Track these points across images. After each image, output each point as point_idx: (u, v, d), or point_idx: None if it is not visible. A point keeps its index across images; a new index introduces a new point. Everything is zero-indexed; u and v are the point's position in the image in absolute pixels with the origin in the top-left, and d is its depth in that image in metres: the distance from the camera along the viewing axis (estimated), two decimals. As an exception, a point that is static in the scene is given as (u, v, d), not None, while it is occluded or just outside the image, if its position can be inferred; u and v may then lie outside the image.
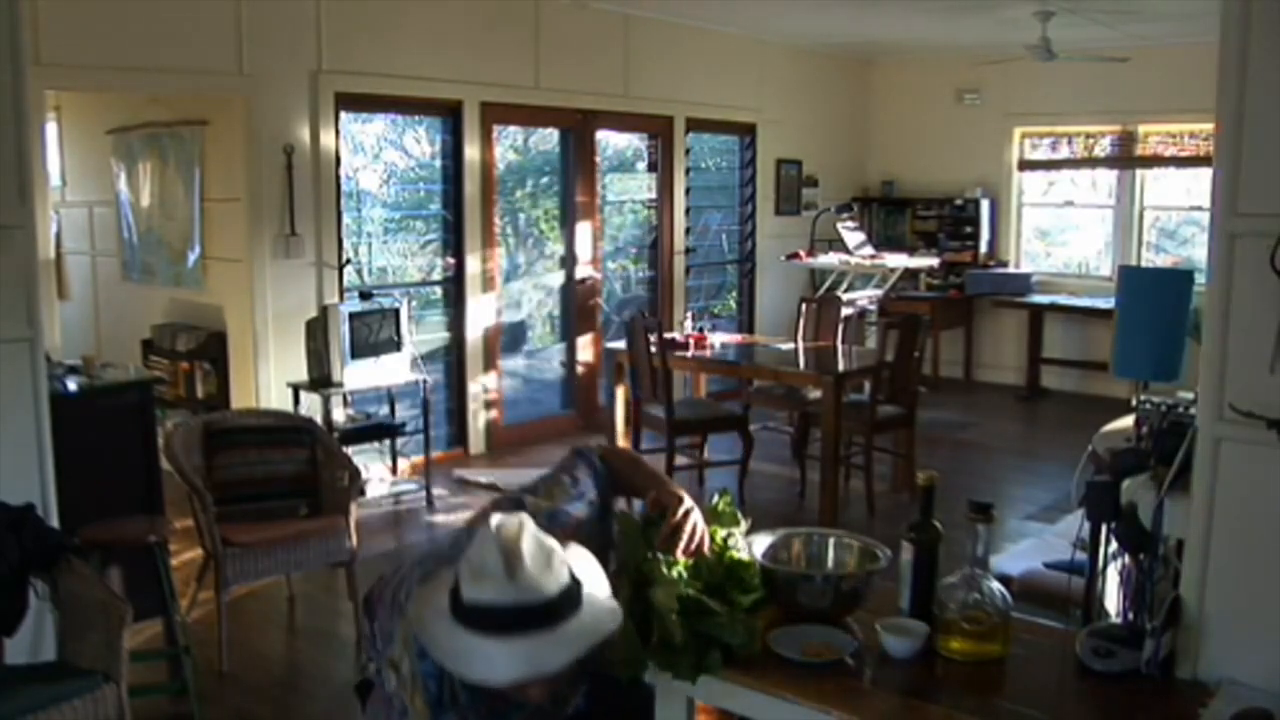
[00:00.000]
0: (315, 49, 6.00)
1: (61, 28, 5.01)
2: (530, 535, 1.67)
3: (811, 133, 9.48)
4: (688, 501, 2.00)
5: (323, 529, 4.23)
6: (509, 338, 7.60)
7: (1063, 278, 9.50)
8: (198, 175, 6.16)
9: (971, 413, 8.49)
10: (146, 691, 3.65)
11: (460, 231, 6.89)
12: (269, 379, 5.92)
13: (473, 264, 6.95)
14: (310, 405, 5.64)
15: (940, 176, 9.74)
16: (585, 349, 7.86)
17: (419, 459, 6.29)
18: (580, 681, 1.89)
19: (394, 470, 6.30)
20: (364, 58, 6.18)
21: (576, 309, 7.80)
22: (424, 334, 6.76)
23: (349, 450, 4.99)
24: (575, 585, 1.69)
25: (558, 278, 7.81)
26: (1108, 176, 9.37)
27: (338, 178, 6.21)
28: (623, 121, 7.95)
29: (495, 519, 1.68)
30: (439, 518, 5.92)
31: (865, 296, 8.48)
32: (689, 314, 7.16)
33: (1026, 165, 9.61)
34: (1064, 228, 9.89)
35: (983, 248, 9.55)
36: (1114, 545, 2.08)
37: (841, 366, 6.05)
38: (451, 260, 6.96)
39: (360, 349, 5.71)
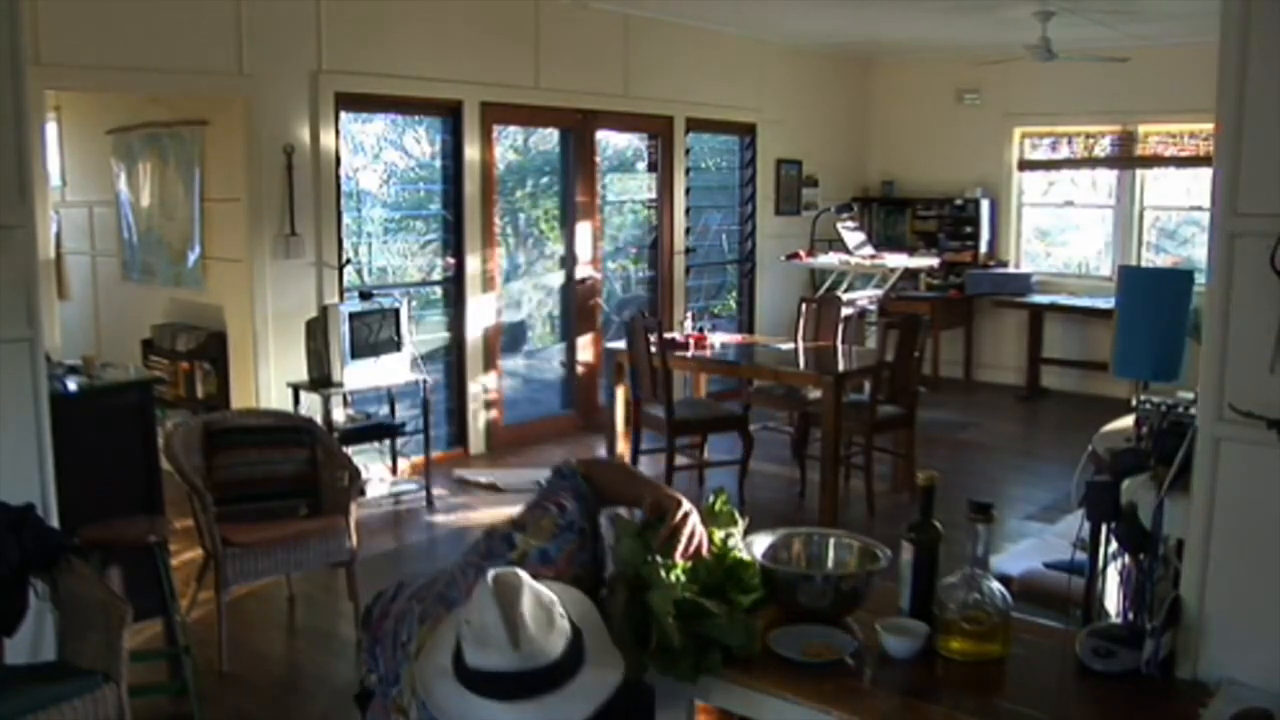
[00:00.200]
0: (315, 49, 6.00)
1: (61, 28, 5.01)
2: (529, 595, 1.67)
3: (811, 133, 9.48)
4: (686, 504, 1.99)
5: (323, 529, 4.23)
6: (509, 338, 7.60)
7: (1063, 278, 9.50)
8: (198, 175, 6.16)
9: (971, 413, 8.49)
10: (146, 691, 3.65)
11: (460, 231, 6.89)
12: (269, 379, 5.92)
13: (473, 264, 6.95)
14: (310, 405, 5.64)
15: (940, 176, 9.74)
16: (585, 349, 7.86)
17: (419, 459, 6.29)
18: None
19: (394, 470, 6.30)
20: (364, 58, 6.19)
21: (576, 309, 7.80)
22: (424, 334, 6.77)
23: (349, 450, 4.99)
24: (577, 639, 1.70)
25: (558, 278, 7.81)
26: (1108, 176, 9.37)
27: (338, 178, 6.21)
28: (623, 121, 7.96)
29: (490, 576, 1.68)
30: (439, 518, 5.92)
31: (865, 296, 8.48)
32: (689, 314, 7.16)
33: (1026, 165, 9.61)
34: (1064, 228, 9.89)
35: (983, 248, 9.55)
36: (1114, 545, 2.08)
37: (841, 366, 6.05)
38: (451, 260, 6.96)
39: (360, 349, 5.71)
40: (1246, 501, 1.84)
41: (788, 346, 6.71)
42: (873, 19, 7.92)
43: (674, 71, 8.09)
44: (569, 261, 7.75)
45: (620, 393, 6.57)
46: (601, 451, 6.75)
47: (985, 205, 9.52)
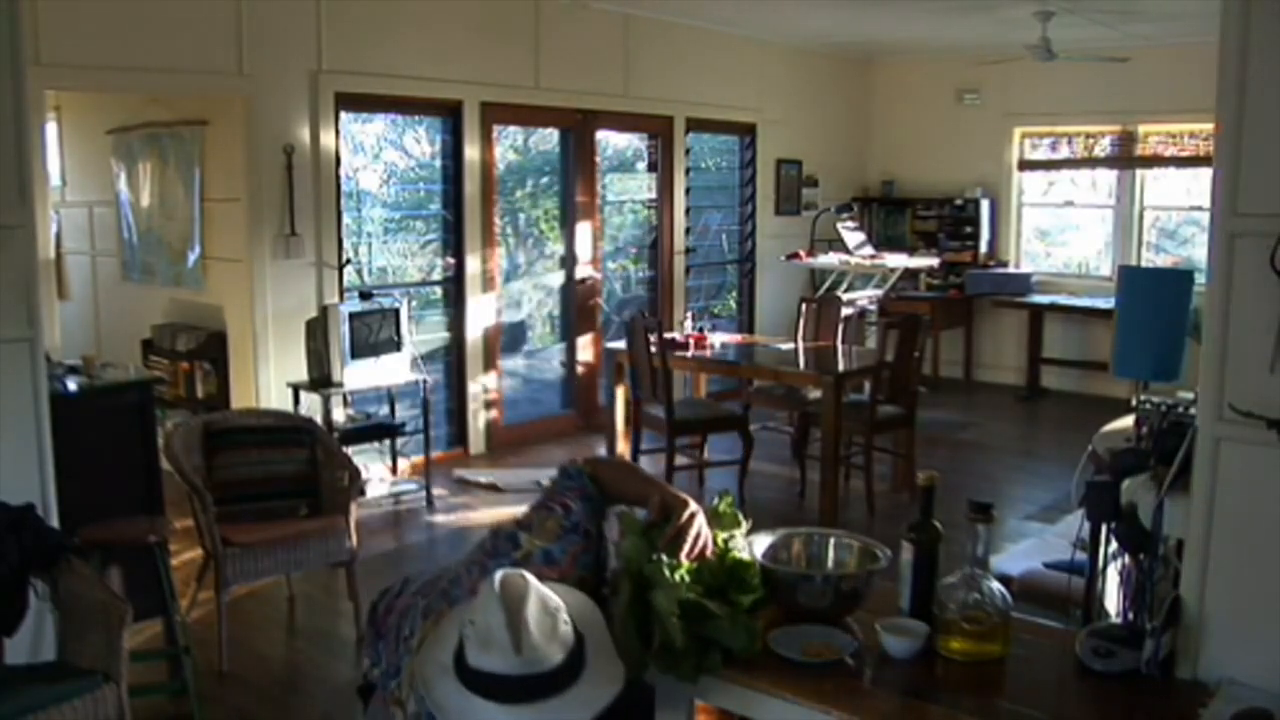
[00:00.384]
0: (315, 49, 6.00)
1: (61, 28, 5.01)
2: (535, 599, 1.68)
3: (811, 133, 9.48)
4: (692, 505, 1.99)
5: (323, 529, 4.23)
6: (509, 338, 7.60)
7: (1063, 278, 9.50)
8: (198, 175, 6.16)
9: (971, 413, 8.49)
10: (146, 691, 3.65)
11: (460, 231, 6.89)
12: (269, 379, 5.92)
13: (473, 264, 6.95)
14: (310, 405, 5.64)
15: (940, 176, 9.74)
16: (585, 349, 7.86)
17: (419, 459, 6.29)
18: None
19: (394, 470, 6.30)
20: (364, 58, 6.19)
21: (576, 309, 7.80)
22: (424, 334, 6.77)
23: (349, 450, 4.99)
24: (580, 646, 1.71)
25: (558, 278, 7.81)
26: (1108, 176, 9.37)
27: (338, 178, 6.21)
28: (623, 121, 7.96)
29: (498, 578, 1.68)
30: (439, 518, 5.92)
31: (865, 296, 8.48)
32: (689, 314, 7.16)
33: (1026, 165, 9.61)
34: (1064, 228, 9.89)
35: (983, 248, 9.55)
36: (1114, 545, 2.08)
37: (841, 366, 6.05)
38: (451, 260, 6.96)
39: (360, 349, 5.71)
40: (1246, 501, 1.84)
41: (788, 346, 6.71)
42: (873, 19, 7.92)
43: (674, 71, 8.09)
44: (569, 261, 7.75)
45: (620, 393, 6.57)
46: (602, 452, 6.75)
47: (985, 205, 9.53)
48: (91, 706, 2.76)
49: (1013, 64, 8.15)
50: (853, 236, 8.69)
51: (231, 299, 6.08)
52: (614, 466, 2.19)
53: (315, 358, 5.71)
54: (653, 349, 5.88)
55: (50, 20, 4.94)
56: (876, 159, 10.22)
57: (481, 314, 7.06)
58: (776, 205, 9.23)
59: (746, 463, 6.14)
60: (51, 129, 6.77)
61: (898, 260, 8.66)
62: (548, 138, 7.83)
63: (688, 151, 8.42)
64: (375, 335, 5.80)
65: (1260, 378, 1.81)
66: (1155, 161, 8.99)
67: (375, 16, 6.23)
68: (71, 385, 4.06)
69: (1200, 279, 2.76)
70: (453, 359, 7.02)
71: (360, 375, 5.74)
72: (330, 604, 4.73)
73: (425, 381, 6.03)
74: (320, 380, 5.69)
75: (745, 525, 2.11)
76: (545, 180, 7.91)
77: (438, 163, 6.98)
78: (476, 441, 7.13)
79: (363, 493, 4.86)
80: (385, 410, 6.14)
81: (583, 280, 7.77)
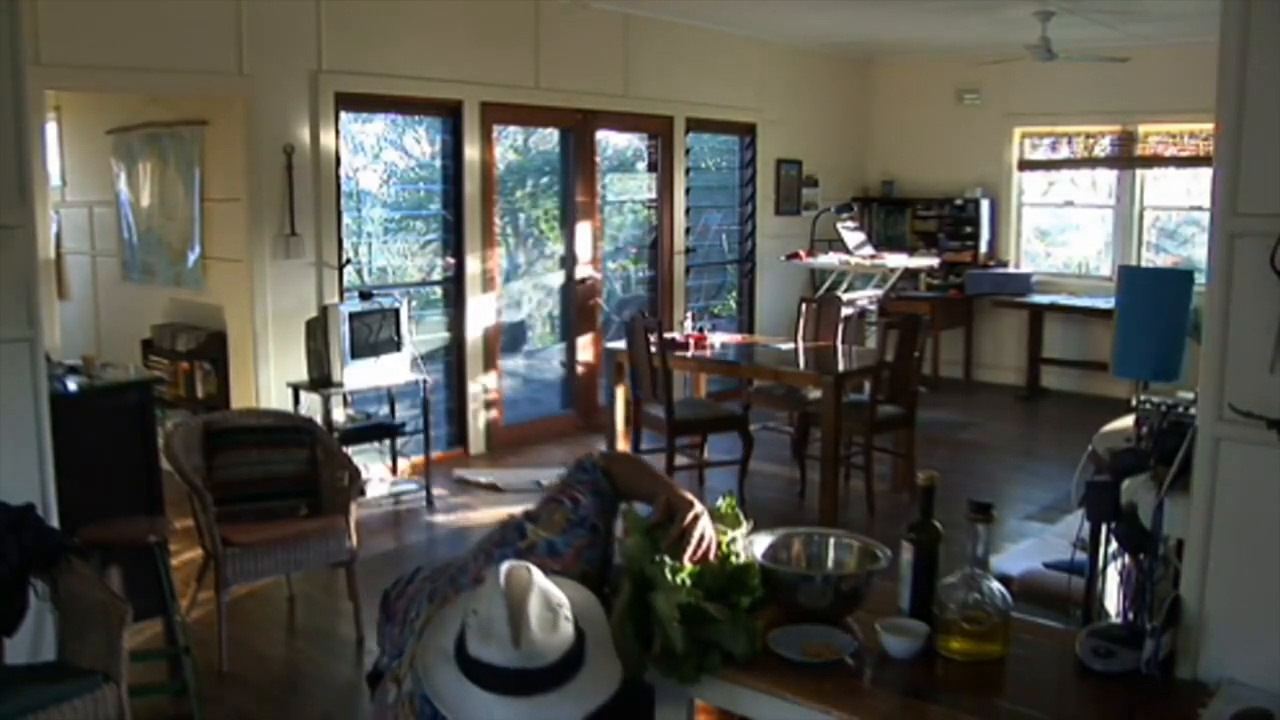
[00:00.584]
0: (315, 49, 6.00)
1: (61, 28, 5.01)
2: (537, 593, 1.68)
3: (811, 133, 9.48)
4: (698, 506, 1.99)
5: (323, 529, 4.23)
6: (509, 338, 7.60)
7: (1063, 278, 9.50)
8: (198, 175, 6.16)
9: (971, 413, 8.49)
10: (146, 691, 3.65)
11: (460, 231, 6.89)
12: (269, 379, 5.92)
13: (473, 264, 6.95)
14: (310, 405, 5.64)
15: (940, 176, 9.74)
16: (585, 349, 7.86)
17: (419, 459, 6.29)
18: None
19: (394, 470, 6.30)
20: (364, 58, 6.19)
21: (576, 309, 7.80)
22: (424, 334, 6.77)
23: (349, 450, 4.99)
24: (579, 643, 1.71)
25: (558, 278, 7.81)
26: (1108, 176, 9.37)
27: (338, 178, 6.21)
28: (623, 121, 7.96)
29: (504, 570, 1.69)
30: (439, 518, 5.92)
31: (865, 296, 8.48)
32: (689, 314, 7.16)
33: (1026, 165, 9.61)
34: (1064, 228, 9.89)
35: (983, 248, 9.55)
36: (1114, 545, 2.08)
37: (841, 366, 6.05)
38: (451, 260, 6.96)
39: (360, 349, 5.71)
40: (1246, 501, 1.84)
41: (788, 346, 6.71)
42: (873, 19, 7.92)
43: (674, 71, 8.09)
44: (569, 261, 7.75)
45: (620, 393, 6.57)
46: (589, 452, 6.75)
47: (985, 205, 9.53)
48: (91, 706, 2.76)
49: (1013, 64, 8.15)
50: (853, 236, 8.69)
51: (231, 299, 6.08)
52: (628, 462, 2.20)
53: (315, 358, 5.71)
54: (653, 349, 5.88)
55: (50, 20, 4.94)
56: (876, 159, 10.22)
57: (481, 314, 7.06)
58: (776, 205, 9.23)
59: (746, 463, 6.14)
60: (51, 129, 6.77)
61: (898, 260, 8.66)
62: (548, 138, 7.83)
63: (688, 151, 8.42)
64: (375, 335, 5.80)
65: (1260, 378, 1.81)
66: (1155, 161, 8.99)
67: (375, 16, 6.23)
68: (71, 385, 4.06)
69: (1200, 279, 2.77)
70: (453, 359, 7.02)
71: (360, 375, 5.74)
72: (330, 604, 4.73)
73: (425, 381, 6.03)
74: (320, 380, 5.69)
75: (746, 526, 2.11)
76: (545, 180, 7.91)
77: (438, 163, 6.98)
78: (476, 441, 7.13)
79: (363, 493, 4.86)
80: (385, 410, 6.14)
81: (583, 280, 7.77)
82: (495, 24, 6.89)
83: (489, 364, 7.16)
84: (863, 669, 1.94)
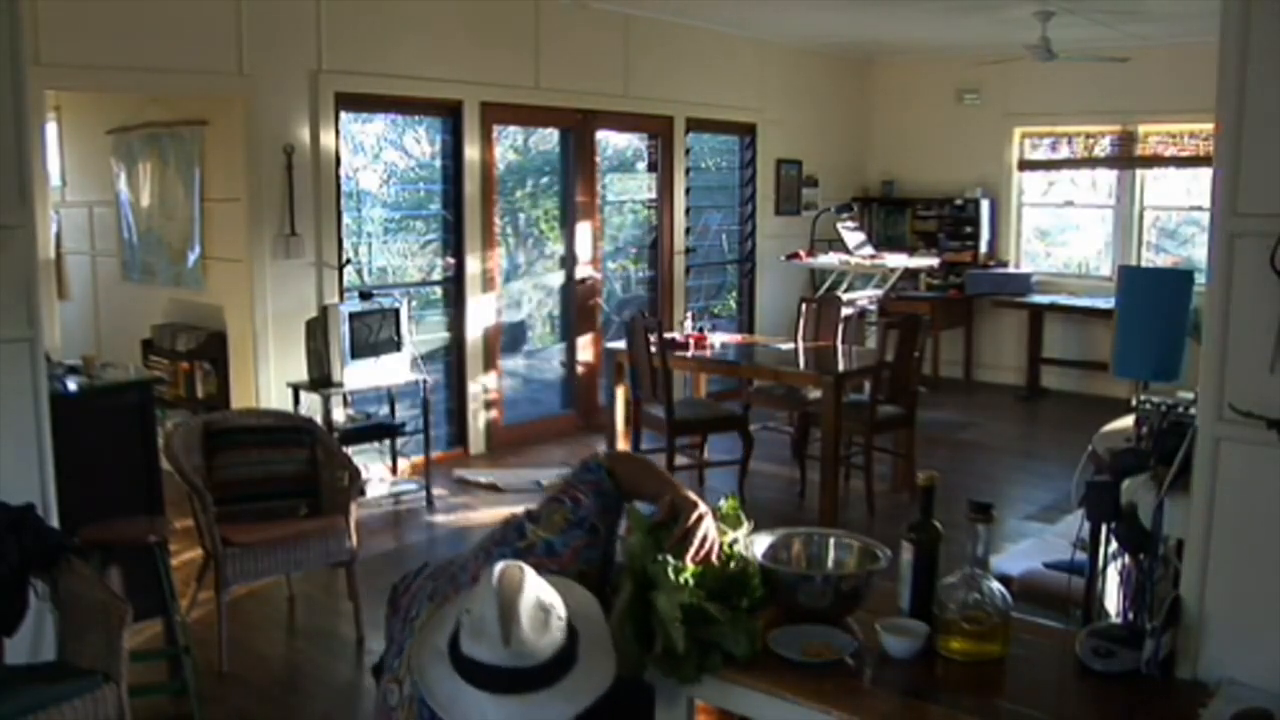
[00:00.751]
0: (315, 49, 6.00)
1: (61, 28, 5.01)
2: (530, 593, 1.68)
3: (811, 133, 9.48)
4: (701, 507, 1.99)
5: (323, 529, 4.23)
6: (509, 338, 7.60)
7: (1063, 278, 9.50)
8: (198, 175, 6.16)
9: (971, 413, 8.49)
10: (146, 691, 3.65)
11: (460, 231, 6.89)
12: (269, 379, 5.92)
13: (473, 264, 6.95)
14: (310, 405, 5.64)
15: (940, 176, 9.74)
16: (585, 349, 7.86)
17: (419, 459, 6.29)
18: None
19: (394, 470, 6.30)
20: (364, 58, 6.19)
21: (576, 309, 7.80)
22: (424, 334, 6.77)
23: (349, 450, 4.99)
24: (571, 642, 1.71)
25: (558, 278, 7.81)
26: (1108, 176, 9.37)
27: (338, 178, 6.21)
28: (623, 121, 7.96)
29: (498, 569, 1.69)
30: (439, 518, 5.92)
31: (865, 296, 8.48)
32: (689, 314, 7.16)
33: (1026, 165, 9.61)
34: (1064, 228, 9.89)
35: (983, 248, 9.55)
36: (1114, 545, 2.08)
37: (841, 366, 6.05)
38: (451, 260, 6.96)
39: (360, 349, 5.71)
40: (1246, 501, 1.84)
41: (788, 346, 6.71)
42: (873, 19, 7.92)
43: (674, 71, 8.09)
44: (569, 261, 7.75)
45: (620, 393, 6.57)
46: (594, 451, 6.76)
47: (985, 205, 9.53)
48: (91, 706, 2.76)
49: (1013, 64, 8.15)
50: (853, 236, 8.69)
51: (231, 299, 6.08)
52: (633, 462, 2.20)
53: (315, 358, 5.71)
54: (653, 349, 5.88)
55: (50, 20, 4.94)
56: (876, 159, 10.22)
57: (481, 314, 7.06)
58: (776, 205, 9.23)
59: (746, 463, 6.14)
60: (51, 129, 6.76)
61: (898, 260, 8.66)
62: (548, 138, 7.83)
63: (688, 151, 8.42)
64: (375, 335, 5.81)
65: (1260, 378, 1.81)
66: (1155, 161, 8.99)
67: (375, 16, 6.23)
68: (71, 385, 4.06)
69: (1200, 279, 2.76)
70: (453, 359, 7.02)
71: (360, 375, 5.74)
72: (330, 604, 4.73)
73: (425, 381, 6.03)
74: (320, 380, 5.69)
75: (747, 526, 2.11)
76: (545, 180, 7.91)
77: (438, 163, 6.98)
78: (476, 441, 7.13)
79: (363, 493, 4.86)
80: (385, 410, 6.14)
81: (583, 280, 7.77)
82: (495, 24, 6.89)
83: (489, 364, 7.16)
84: (863, 669, 1.94)
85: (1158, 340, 3.44)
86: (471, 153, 6.86)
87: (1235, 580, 1.86)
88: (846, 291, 8.32)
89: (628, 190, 8.38)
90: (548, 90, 7.22)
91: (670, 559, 1.90)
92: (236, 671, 4.02)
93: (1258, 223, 1.80)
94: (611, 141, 8.20)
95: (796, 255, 8.59)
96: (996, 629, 1.95)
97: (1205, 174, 7.75)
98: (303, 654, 4.35)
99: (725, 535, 2.04)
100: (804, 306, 7.05)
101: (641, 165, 8.39)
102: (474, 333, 7.02)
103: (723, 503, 2.12)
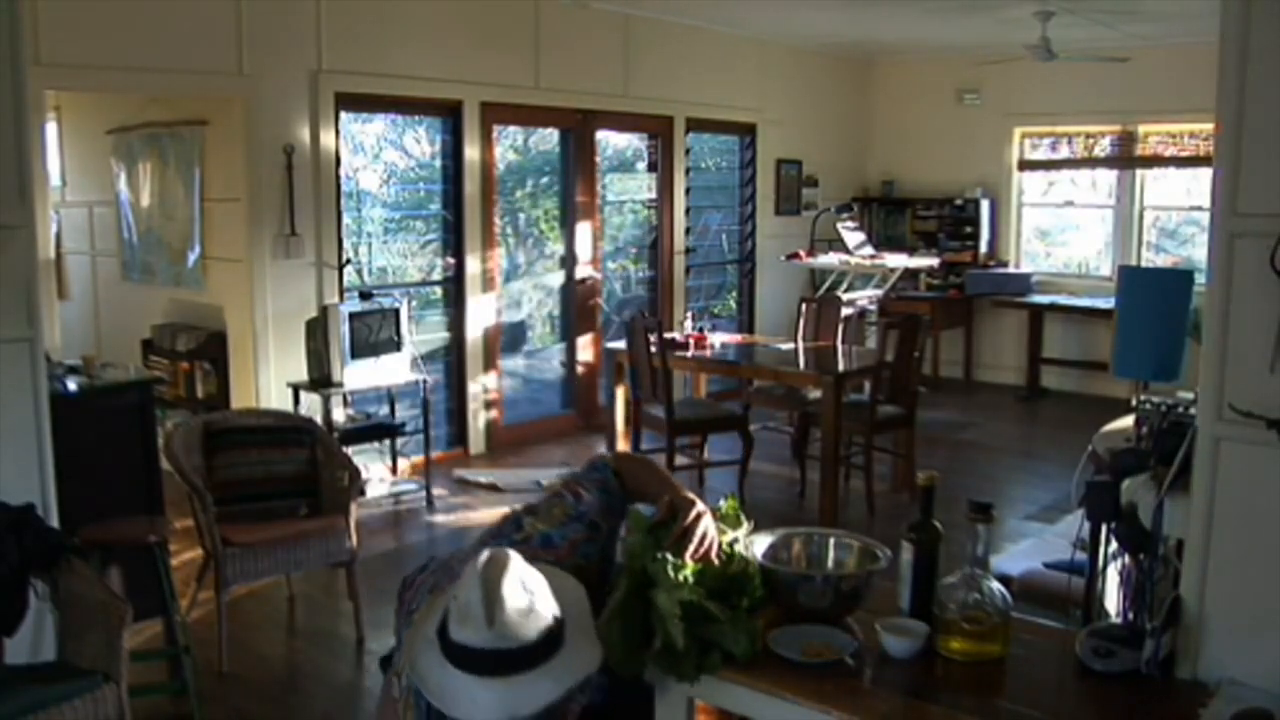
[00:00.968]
0: (315, 49, 6.00)
1: (61, 28, 5.01)
2: (513, 577, 1.69)
3: (811, 133, 9.48)
4: (700, 506, 2.00)
5: (323, 529, 4.23)
6: (509, 338, 7.60)
7: (1063, 278, 9.50)
8: (198, 175, 6.16)
9: (971, 413, 8.49)
10: (146, 691, 3.65)
11: (460, 231, 6.89)
12: (269, 379, 5.92)
13: (473, 264, 6.95)
14: (310, 405, 5.64)
15: (940, 176, 9.74)
16: (585, 349, 7.86)
17: (419, 459, 6.29)
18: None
19: (394, 470, 6.30)
20: (364, 58, 6.19)
21: (576, 309, 7.80)
22: (424, 334, 6.77)
23: (349, 450, 4.99)
24: (557, 626, 1.72)
25: (558, 278, 7.81)
26: (1108, 176, 9.37)
27: (338, 178, 6.21)
28: (623, 121, 7.96)
29: (483, 555, 1.71)
30: (439, 518, 5.92)
31: (865, 296, 8.48)
32: (689, 314, 7.16)
33: (1026, 165, 9.61)
34: (1064, 228, 9.89)
35: (983, 248, 9.55)
36: (1114, 545, 2.08)
37: (841, 366, 6.04)
38: (451, 260, 6.96)
39: (360, 349, 5.71)
40: (1246, 501, 1.84)
41: (788, 346, 6.70)
42: (873, 19, 7.92)
43: (674, 71, 8.09)
44: (569, 261, 7.75)
45: (620, 393, 6.57)
46: (602, 452, 6.76)
47: (985, 205, 9.53)
48: (91, 706, 2.76)
49: (1013, 64, 8.14)
50: (853, 236, 8.69)
51: (231, 299, 6.08)
52: (637, 463, 2.22)
53: (315, 358, 5.71)
54: (653, 349, 5.88)
55: (50, 20, 4.94)
56: (876, 159, 10.22)
57: (481, 314, 7.06)
58: (776, 205, 9.23)
59: (746, 463, 6.14)
60: (51, 129, 6.77)
61: (898, 260, 8.66)
62: (548, 138, 7.83)
63: (688, 151, 8.42)
64: (375, 335, 5.81)
65: (1260, 378, 1.81)
66: (1155, 161, 8.99)
67: (375, 17, 6.23)
68: (71, 385, 4.06)
69: (1200, 279, 2.77)
70: (453, 359, 7.02)
71: (360, 375, 5.74)
72: (330, 604, 4.73)
73: (425, 381, 6.03)
74: (320, 380, 5.69)
75: (747, 526, 2.11)
76: (545, 180, 7.91)
77: (438, 163, 6.98)
78: (476, 441, 7.13)
79: (363, 493, 4.86)
80: (385, 410, 6.14)
81: (583, 280, 7.77)
82: (495, 24, 6.89)
83: (489, 364, 7.16)
84: (863, 669, 1.94)
85: (1158, 340, 3.44)
86: (471, 153, 6.86)
87: (1235, 580, 1.86)
88: (846, 291, 8.32)
89: (628, 190, 8.38)
90: (547, 90, 7.22)
91: (670, 556, 1.90)
92: (236, 671, 4.02)
93: (1258, 223, 1.80)
94: (611, 141, 8.20)
95: (796, 255, 8.59)
96: (996, 629, 1.95)
97: (1205, 174, 7.76)
98: (303, 654, 4.35)
99: (725, 535, 2.04)
100: (804, 306, 7.05)
101: (641, 165, 8.39)
102: (474, 333, 7.02)
103: (723, 503, 2.13)
